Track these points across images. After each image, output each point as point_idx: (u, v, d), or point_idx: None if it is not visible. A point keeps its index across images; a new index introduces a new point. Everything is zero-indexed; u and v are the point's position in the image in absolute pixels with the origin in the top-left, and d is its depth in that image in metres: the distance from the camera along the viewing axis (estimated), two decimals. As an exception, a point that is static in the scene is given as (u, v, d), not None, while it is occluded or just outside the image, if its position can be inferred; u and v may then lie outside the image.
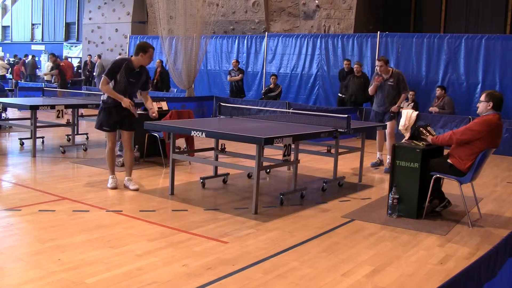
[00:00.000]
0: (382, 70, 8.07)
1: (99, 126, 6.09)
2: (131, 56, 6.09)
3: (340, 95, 12.53)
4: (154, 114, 6.18)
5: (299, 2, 15.37)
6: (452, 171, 5.27)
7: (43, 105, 8.15)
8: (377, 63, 8.20)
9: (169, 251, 4.12)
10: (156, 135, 7.49)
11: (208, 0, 15.18)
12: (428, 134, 5.59)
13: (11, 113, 12.15)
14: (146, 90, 6.29)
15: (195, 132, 5.50)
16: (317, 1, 14.95)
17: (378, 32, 12.99)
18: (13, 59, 23.53)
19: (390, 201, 5.40)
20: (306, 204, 5.89)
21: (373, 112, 8.49)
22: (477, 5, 14.53)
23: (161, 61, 15.49)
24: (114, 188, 6.06)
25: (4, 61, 22.50)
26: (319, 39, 13.99)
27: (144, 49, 5.95)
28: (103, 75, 5.99)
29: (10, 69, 21.85)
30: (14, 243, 4.18)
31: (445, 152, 5.71)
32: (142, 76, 6.11)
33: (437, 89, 11.35)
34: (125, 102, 5.90)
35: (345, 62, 12.73)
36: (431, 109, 11.22)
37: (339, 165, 7.10)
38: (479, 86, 11.49)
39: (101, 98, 6.12)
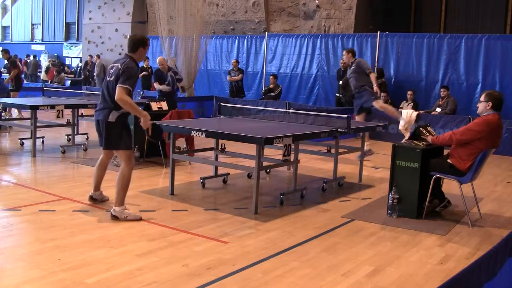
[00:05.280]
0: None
1: (130, 146, 4.94)
2: (131, 56, 4.85)
3: (338, 95, 12.52)
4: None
5: (299, 2, 15.36)
6: (452, 171, 5.27)
7: (43, 105, 8.14)
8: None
9: (169, 251, 4.12)
10: (156, 135, 7.49)
11: (208, 0, 15.18)
12: (428, 134, 5.59)
13: (14, 112, 12.15)
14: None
15: (195, 132, 5.50)
16: (317, 1, 14.94)
17: (378, 32, 12.99)
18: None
19: (390, 201, 5.40)
20: (306, 204, 5.88)
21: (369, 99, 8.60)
22: (477, 5, 14.52)
23: (148, 59, 15.66)
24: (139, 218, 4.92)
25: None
26: (319, 39, 13.99)
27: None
28: (121, 85, 4.60)
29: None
30: (14, 243, 4.19)
31: (445, 152, 5.71)
32: None
33: (442, 89, 11.37)
34: (146, 119, 4.83)
35: (341, 61, 12.72)
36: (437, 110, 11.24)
37: (339, 165, 7.10)
38: (479, 86, 11.50)
39: (112, 115, 4.79)
